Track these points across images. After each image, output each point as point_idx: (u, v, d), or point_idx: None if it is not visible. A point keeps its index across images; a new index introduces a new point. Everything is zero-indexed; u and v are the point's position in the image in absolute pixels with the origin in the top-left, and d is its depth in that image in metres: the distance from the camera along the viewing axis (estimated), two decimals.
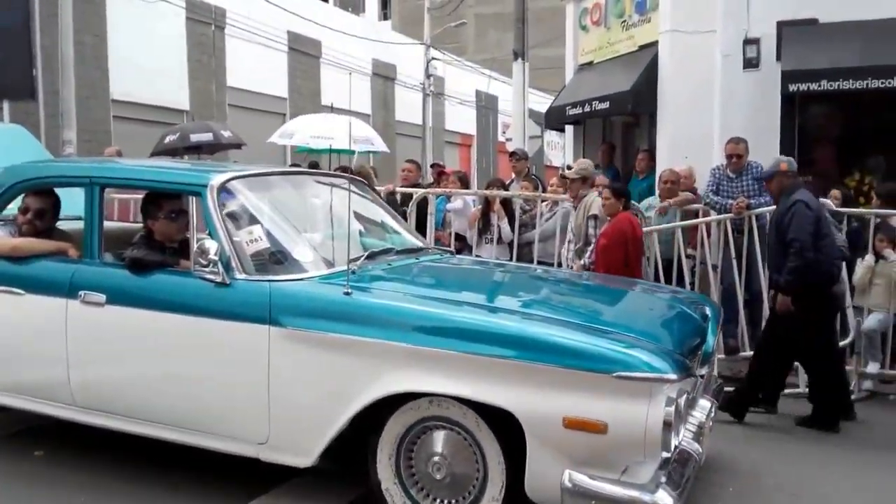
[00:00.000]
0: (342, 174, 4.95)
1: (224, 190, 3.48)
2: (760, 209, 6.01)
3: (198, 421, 3.38)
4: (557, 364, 2.76)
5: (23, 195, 4.02)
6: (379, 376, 3.00)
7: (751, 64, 7.81)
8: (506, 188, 7.52)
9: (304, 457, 3.17)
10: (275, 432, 3.19)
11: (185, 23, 16.38)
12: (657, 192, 6.95)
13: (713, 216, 6.30)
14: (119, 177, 3.97)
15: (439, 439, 3.07)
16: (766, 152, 7.05)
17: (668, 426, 2.70)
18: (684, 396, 2.87)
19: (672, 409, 2.72)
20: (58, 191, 4.10)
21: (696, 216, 6.44)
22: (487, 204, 6.74)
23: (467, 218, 7.00)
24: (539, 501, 2.88)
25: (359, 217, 4.03)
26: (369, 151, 12.18)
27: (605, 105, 9.53)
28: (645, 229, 6.13)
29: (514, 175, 8.39)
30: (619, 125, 10.97)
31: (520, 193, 6.95)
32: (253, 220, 3.53)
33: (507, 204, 6.79)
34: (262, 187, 3.85)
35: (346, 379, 3.06)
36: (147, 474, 3.73)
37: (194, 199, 3.51)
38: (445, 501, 3.08)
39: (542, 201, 6.70)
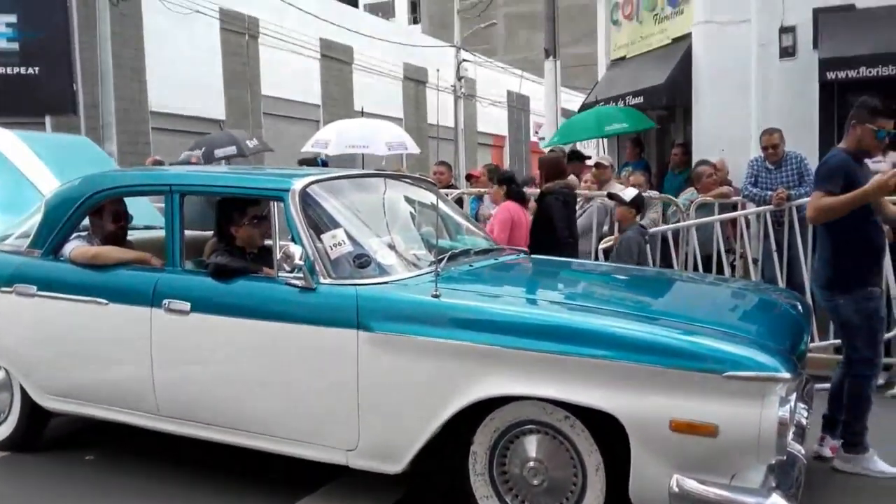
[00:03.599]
0: (422, 176, 4.94)
1: (306, 194, 3.48)
2: (801, 200, 6.03)
3: (285, 428, 3.37)
4: (663, 364, 2.68)
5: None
6: (471, 380, 2.95)
7: (787, 53, 7.81)
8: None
9: (395, 463, 3.15)
10: (364, 439, 3.17)
11: (220, 33, 16.76)
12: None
13: (752, 208, 6.36)
14: (200, 184, 3.96)
15: (534, 443, 3.01)
16: (805, 142, 7.09)
17: (782, 428, 2.60)
18: (794, 396, 2.77)
19: (786, 409, 2.64)
20: None
21: (734, 210, 6.51)
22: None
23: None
24: None
25: (433, 218, 3.94)
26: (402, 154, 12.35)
27: (640, 99, 9.61)
28: (682, 224, 6.25)
29: None
30: (654, 119, 11.03)
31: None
32: (335, 224, 3.52)
33: None
34: (343, 190, 3.84)
35: (438, 383, 3.02)
36: (194, 478, 3.80)
37: (276, 204, 3.54)
38: None
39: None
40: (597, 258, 6.21)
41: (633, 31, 10.55)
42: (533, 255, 4.45)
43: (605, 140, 11.09)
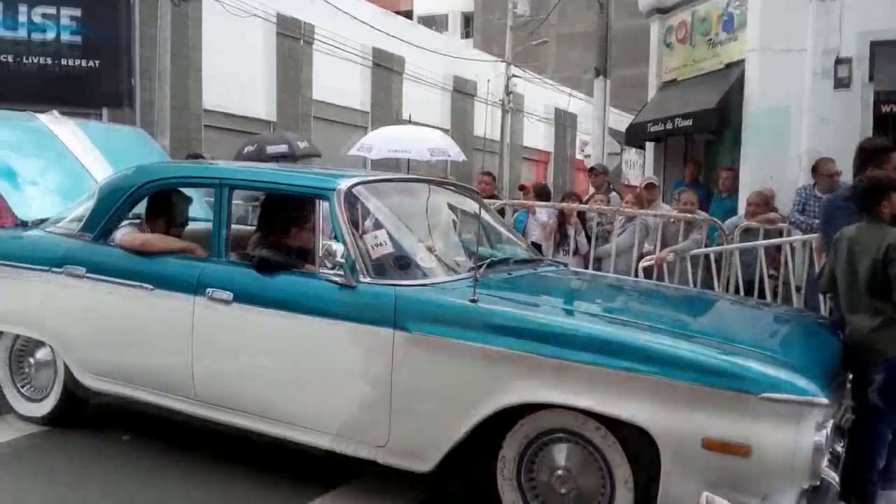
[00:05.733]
0: (464, 185, 4.97)
1: (351, 194, 3.56)
2: None
3: (317, 420, 3.43)
4: (699, 382, 2.66)
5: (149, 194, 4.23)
6: (504, 386, 2.96)
7: (842, 84, 7.71)
8: (583, 202, 7.70)
9: (423, 462, 3.17)
10: (395, 436, 3.20)
11: (276, 37, 17.06)
12: (740, 211, 6.97)
13: (798, 236, 6.28)
14: (248, 179, 4.11)
15: (564, 452, 3.01)
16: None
17: (817, 453, 2.58)
18: (831, 423, 2.75)
19: (822, 435, 2.61)
20: None
21: (779, 236, 6.43)
22: (563, 216, 6.88)
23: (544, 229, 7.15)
24: None
25: (474, 226, 3.99)
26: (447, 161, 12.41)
27: (689, 122, 9.57)
28: (725, 247, 6.19)
29: (592, 189, 8.60)
30: (702, 143, 10.95)
31: (595, 207, 7.07)
32: (378, 225, 3.60)
33: (582, 217, 6.94)
34: (387, 193, 3.91)
35: (470, 387, 3.04)
36: (225, 464, 3.86)
37: (320, 202, 3.64)
38: None
39: (618, 215, 6.79)
40: (636, 276, 6.19)
41: (686, 55, 10.51)
42: (573, 268, 4.46)
43: (665, 163, 11.00)
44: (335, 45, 18.17)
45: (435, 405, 3.14)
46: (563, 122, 29.89)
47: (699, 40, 10.17)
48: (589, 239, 6.81)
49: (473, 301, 3.11)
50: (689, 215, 6.43)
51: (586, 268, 6.64)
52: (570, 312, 3.45)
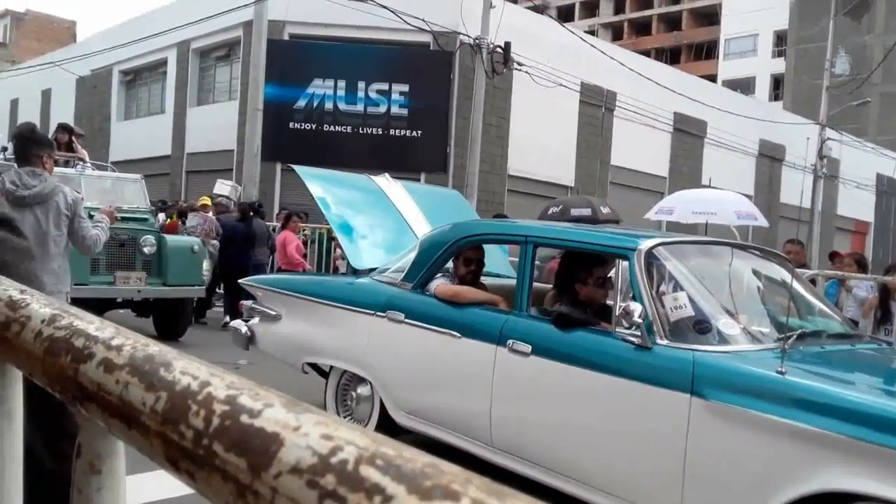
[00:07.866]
0: (771, 250, 4.75)
1: (651, 255, 3.56)
2: None
3: (605, 479, 3.40)
4: None
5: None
6: (812, 468, 2.75)
7: None
8: None
9: None
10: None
11: (578, 105, 17.64)
12: None
13: None
14: (552, 237, 4.32)
15: None
16: None
17: None
18: None
19: None
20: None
21: None
22: (887, 292, 6.21)
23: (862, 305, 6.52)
24: None
25: (783, 295, 3.82)
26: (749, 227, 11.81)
27: None
28: None
29: None
30: None
31: None
32: (678, 287, 3.57)
33: None
34: (689, 255, 3.87)
35: (773, 465, 2.85)
36: None
37: (620, 262, 3.74)
38: None
39: None
40: None
41: None
42: None
43: None
44: (636, 112, 18.30)
45: (731, 480, 2.99)
46: (887, 190, 26.90)
47: None
48: None
49: (780, 373, 2.95)
50: None
51: None
52: (893, 394, 3.11)
